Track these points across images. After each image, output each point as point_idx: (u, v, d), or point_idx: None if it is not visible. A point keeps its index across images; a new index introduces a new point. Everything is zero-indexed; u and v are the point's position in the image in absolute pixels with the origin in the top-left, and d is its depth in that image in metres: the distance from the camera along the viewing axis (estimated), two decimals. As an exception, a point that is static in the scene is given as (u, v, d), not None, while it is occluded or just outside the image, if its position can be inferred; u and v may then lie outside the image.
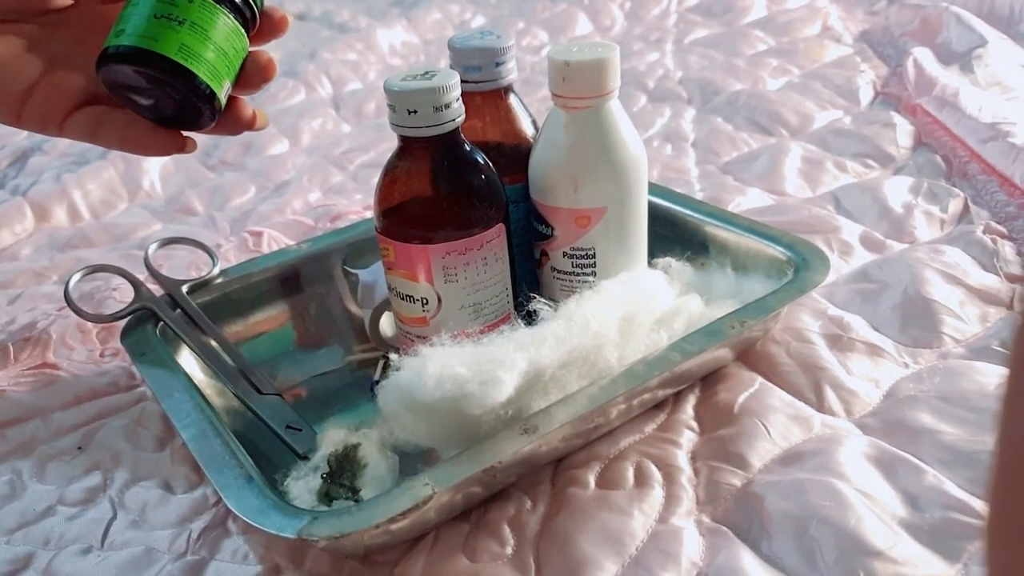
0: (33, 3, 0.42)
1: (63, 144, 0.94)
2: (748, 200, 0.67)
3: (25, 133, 1.00)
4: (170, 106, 0.42)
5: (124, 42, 0.39)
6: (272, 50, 0.45)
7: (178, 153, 0.45)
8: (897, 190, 0.65)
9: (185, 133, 0.45)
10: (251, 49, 0.43)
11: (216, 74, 0.41)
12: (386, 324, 0.51)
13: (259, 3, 0.43)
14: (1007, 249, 0.55)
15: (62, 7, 0.43)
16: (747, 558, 0.36)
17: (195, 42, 0.40)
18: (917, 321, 0.50)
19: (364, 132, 0.95)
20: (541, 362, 0.38)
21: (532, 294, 0.42)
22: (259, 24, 0.43)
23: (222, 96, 0.42)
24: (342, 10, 1.48)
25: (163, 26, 0.39)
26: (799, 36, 1.07)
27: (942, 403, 0.43)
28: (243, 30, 0.42)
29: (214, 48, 0.40)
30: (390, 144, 0.43)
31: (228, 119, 0.44)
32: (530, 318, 0.42)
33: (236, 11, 0.41)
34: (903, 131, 0.75)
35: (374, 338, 0.51)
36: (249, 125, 0.45)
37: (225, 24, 0.41)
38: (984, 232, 0.57)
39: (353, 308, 0.55)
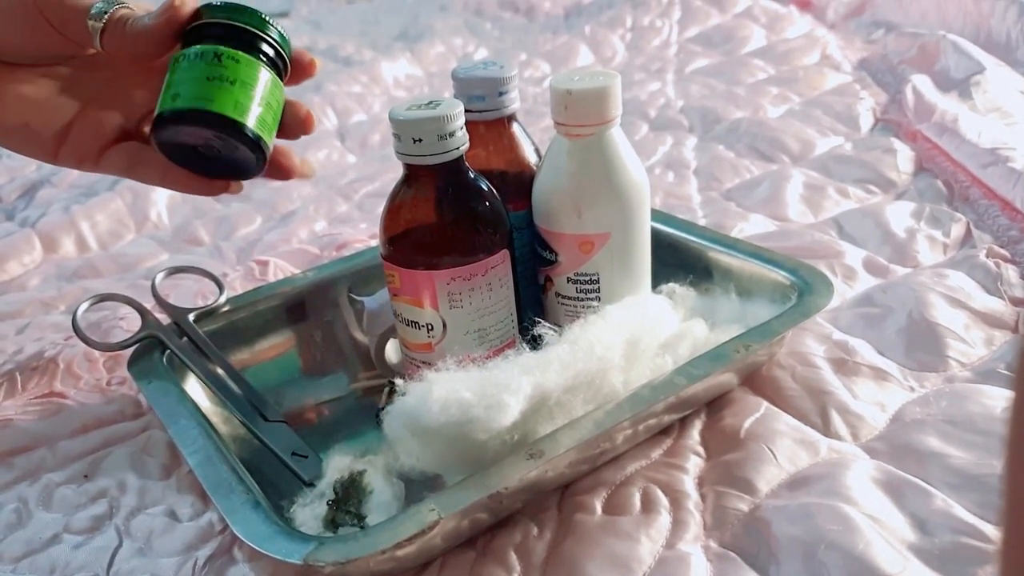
0: (65, 48, 0.43)
1: (72, 176, 0.95)
2: (751, 226, 0.67)
3: (34, 165, 1.01)
4: (223, 160, 0.44)
5: (182, 105, 0.42)
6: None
7: (224, 193, 0.47)
8: (899, 215, 0.65)
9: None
10: (291, 100, 0.46)
11: (265, 126, 0.43)
12: (391, 351, 0.51)
13: (288, 52, 0.45)
14: (1011, 273, 0.55)
15: (94, 52, 0.44)
16: (755, 583, 0.36)
17: (246, 99, 0.43)
18: (922, 345, 0.50)
19: (369, 163, 0.96)
20: (546, 386, 0.38)
21: (537, 319, 0.43)
22: (290, 71, 0.46)
23: (270, 145, 0.44)
24: (347, 44, 1.51)
25: (216, 87, 0.42)
26: (798, 65, 1.08)
27: (949, 427, 0.43)
28: (280, 80, 0.45)
29: (261, 102, 0.43)
30: (395, 174, 0.44)
31: (277, 167, 0.47)
32: (535, 343, 0.42)
33: (273, 65, 0.44)
34: (904, 157, 0.76)
35: (379, 365, 0.51)
36: (298, 173, 0.47)
37: (267, 79, 0.43)
38: (987, 256, 0.57)
39: (358, 335, 0.55)
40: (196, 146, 0.44)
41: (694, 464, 0.43)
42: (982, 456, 0.40)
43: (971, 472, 0.40)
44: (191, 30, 0.43)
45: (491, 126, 0.47)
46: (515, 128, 0.48)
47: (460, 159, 0.42)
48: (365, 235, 0.73)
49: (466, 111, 0.42)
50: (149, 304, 0.53)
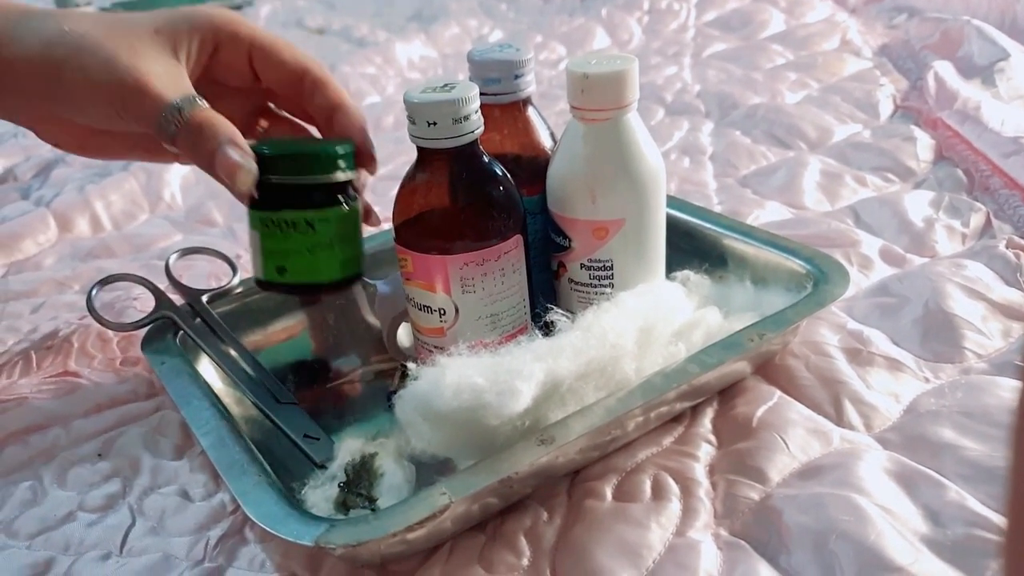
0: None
1: (87, 156, 0.95)
2: (767, 213, 0.67)
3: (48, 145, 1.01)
4: None
5: (291, 280, 0.44)
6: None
7: None
8: (918, 204, 0.64)
9: None
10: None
11: (360, 251, 0.46)
12: (403, 335, 0.51)
13: (352, 169, 0.45)
14: (1030, 263, 0.54)
15: None
16: (765, 572, 0.35)
17: (347, 250, 0.45)
18: (938, 336, 0.49)
19: (382, 145, 0.96)
20: (558, 373, 0.38)
21: (549, 305, 0.43)
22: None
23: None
24: (361, 25, 1.50)
25: (320, 257, 0.43)
26: (818, 50, 1.07)
27: (964, 418, 0.42)
28: (357, 205, 0.46)
29: (355, 238, 0.46)
30: (408, 157, 0.44)
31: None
32: (547, 329, 0.42)
33: (350, 197, 0.45)
34: (923, 145, 0.75)
35: (391, 349, 0.51)
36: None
37: (353, 213, 0.45)
38: (1007, 246, 0.56)
39: (370, 318, 0.55)
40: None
41: (705, 452, 0.43)
42: (997, 448, 0.40)
43: (985, 464, 0.39)
44: (266, 184, 0.43)
45: (506, 109, 0.47)
46: (530, 112, 0.48)
47: (474, 143, 0.41)
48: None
49: (481, 94, 0.42)
50: (162, 285, 0.53)
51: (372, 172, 0.48)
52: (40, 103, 0.44)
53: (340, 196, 0.44)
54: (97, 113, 0.43)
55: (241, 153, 0.42)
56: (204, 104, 0.42)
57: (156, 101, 0.41)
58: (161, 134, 0.42)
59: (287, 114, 0.51)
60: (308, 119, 0.49)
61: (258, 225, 0.44)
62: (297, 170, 0.43)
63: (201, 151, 0.42)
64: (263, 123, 0.51)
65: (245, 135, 0.50)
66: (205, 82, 0.46)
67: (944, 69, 0.85)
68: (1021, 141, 0.67)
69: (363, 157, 0.47)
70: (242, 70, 0.46)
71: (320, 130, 0.48)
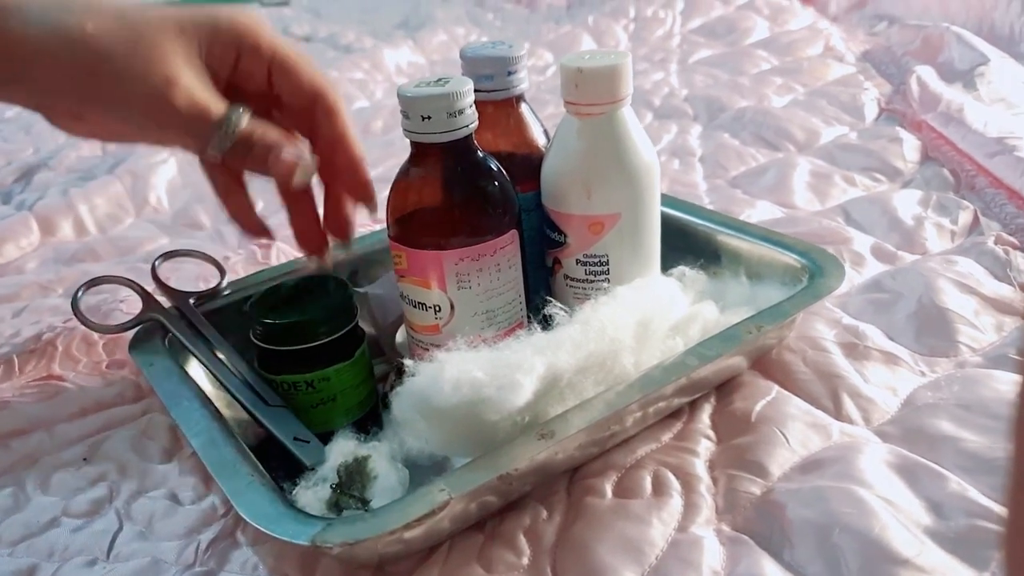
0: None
1: (69, 159, 0.94)
2: (758, 213, 0.67)
3: (31, 149, 1.00)
4: None
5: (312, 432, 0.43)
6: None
7: None
8: (906, 203, 0.65)
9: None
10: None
11: (370, 388, 0.46)
12: (401, 335, 0.50)
13: (352, 318, 0.45)
14: (1020, 259, 0.55)
15: None
16: (769, 567, 0.35)
17: (353, 397, 0.45)
18: (932, 330, 0.49)
19: (371, 149, 0.95)
20: (559, 366, 0.37)
21: (547, 298, 0.42)
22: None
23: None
24: (348, 32, 1.50)
25: (327, 410, 0.44)
26: (802, 56, 1.08)
27: (962, 411, 0.42)
28: (362, 349, 0.45)
29: (362, 382, 0.45)
30: (398, 160, 0.43)
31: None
32: (546, 323, 0.42)
33: (352, 344, 0.44)
34: (910, 146, 0.75)
35: (388, 350, 0.50)
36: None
37: (355, 365, 0.44)
38: (995, 243, 0.57)
39: (364, 323, 0.54)
40: None
41: (705, 447, 0.42)
42: (996, 440, 0.40)
43: (985, 456, 0.39)
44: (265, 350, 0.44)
45: (500, 106, 0.47)
46: (524, 109, 0.48)
47: (469, 137, 0.41)
48: (368, 219, 0.72)
49: (475, 91, 0.42)
50: (149, 287, 0.52)
51: (372, 211, 0.47)
52: (72, 104, 0.42)
53: (342, 349, 0.44)
54: (135, 120, 0.42)
55: (296, 152, 0.42)
56: (247, 114, 0.42)
57: (205, 119, 0.41)
58: (211, 151, 0.42)
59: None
60: (310, 138, 0.48)
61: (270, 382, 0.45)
62: (292, 340, 0.43)
63: (253, 162, 0.42)
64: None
65: None
66: (222, 86, 0.44)
67: (926, 73, 0.86)
68: (1005, 142, 0.68)
69: (363, 193, 0.46)
70: (259, 80, 0.45)
71: (316, 152, 0.47)
